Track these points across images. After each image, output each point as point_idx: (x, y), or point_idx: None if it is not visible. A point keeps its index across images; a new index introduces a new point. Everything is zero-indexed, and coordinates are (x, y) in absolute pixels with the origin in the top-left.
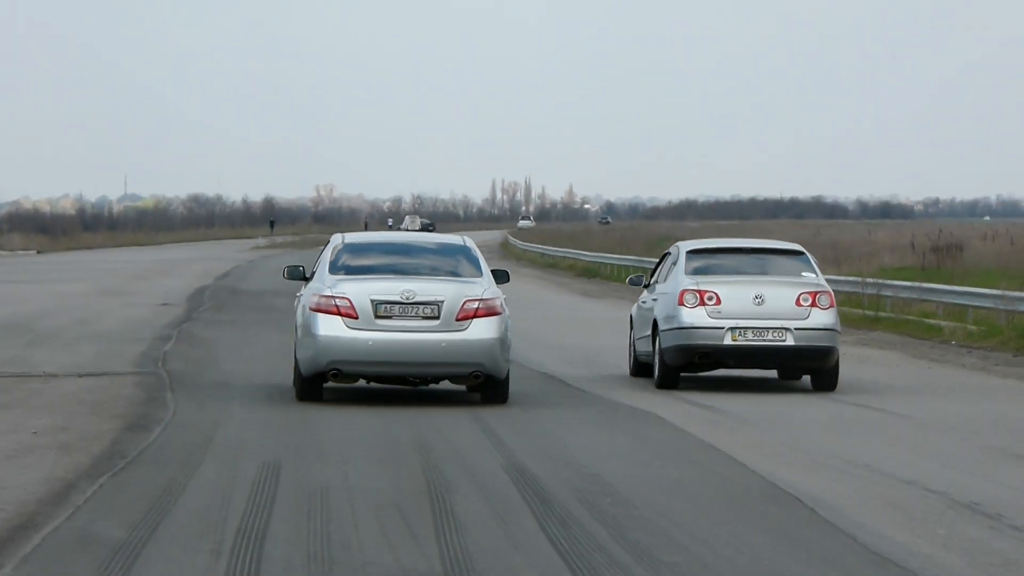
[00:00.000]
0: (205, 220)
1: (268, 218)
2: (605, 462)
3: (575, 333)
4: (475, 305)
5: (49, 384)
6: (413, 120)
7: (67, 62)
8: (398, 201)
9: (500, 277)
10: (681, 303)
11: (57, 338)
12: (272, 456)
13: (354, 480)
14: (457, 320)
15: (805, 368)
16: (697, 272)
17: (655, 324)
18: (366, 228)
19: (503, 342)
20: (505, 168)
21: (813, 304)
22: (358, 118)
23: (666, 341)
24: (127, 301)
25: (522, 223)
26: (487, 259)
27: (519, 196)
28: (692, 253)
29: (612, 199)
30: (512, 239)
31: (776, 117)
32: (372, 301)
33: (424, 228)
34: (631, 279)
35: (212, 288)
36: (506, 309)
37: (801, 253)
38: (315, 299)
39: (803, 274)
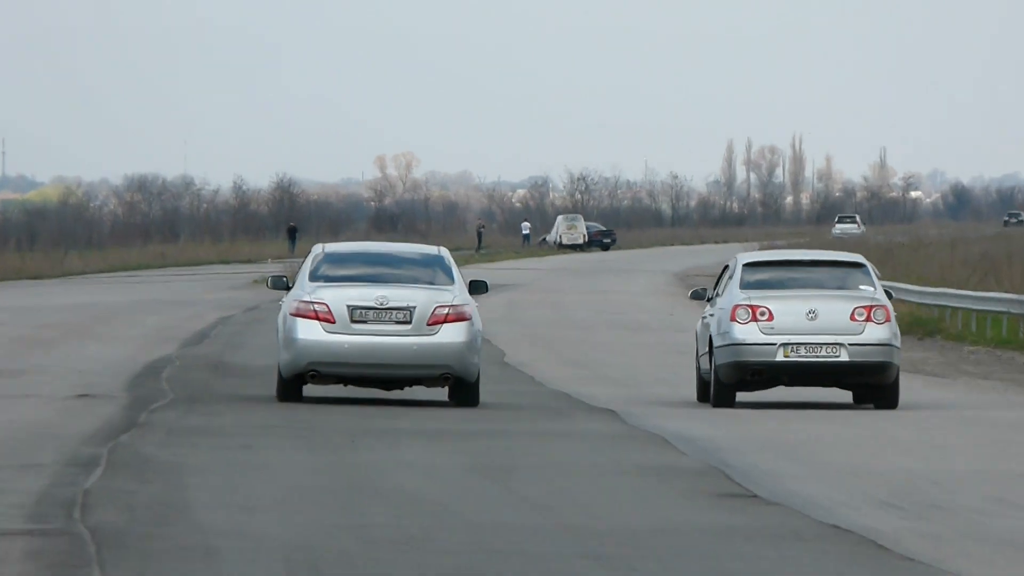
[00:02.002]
0: (162, 224)
1: (286, 222)
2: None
3: None
4: (445, 311)
5: None
6: (543, 56)
7: None
8: (540, 185)
9: (478, 288)
10: (733, 319)
11: None
12: None
13: None
14: (428, 325)
15: (862, 385)
16: (751, 286)
17: (710, 341)
18: (480, 238)
19: (472, 346)
20: (743, 125)
21: (868, 319)
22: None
23: (720, 358)
24: (10, 390)
25: (842, 228)
26: None
27: (780, 173)
28: (748, 266)
29: (961, 177)
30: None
31: None
32: (348, 306)
33: (593, 242)
34: (693, 292)
35: (177, 363)
36: (476, 316)
37: (861, 265)
38: (295, 304)
39: (861, 287)
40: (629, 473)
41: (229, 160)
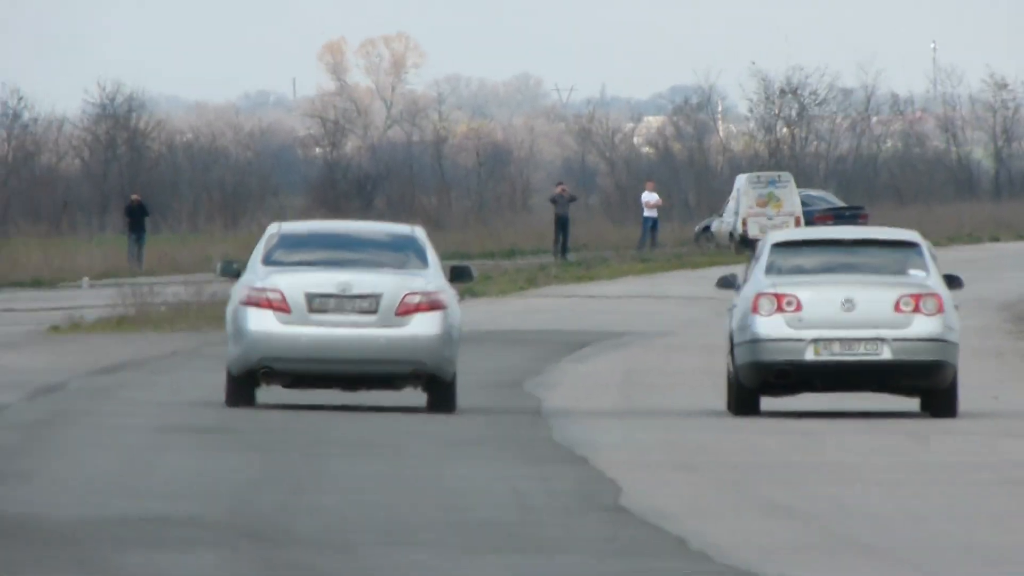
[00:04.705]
0: None
1: (124, 196)
2: None
3: None
4: (416, 299)
5: None
6: None
7: None
8: (683, 107)
9: (462, 274)
10: (755, 310)
11: None
12: None
13: None
14: (397, 315)
15: (910, 389)
16: (779, 271)
17: (731, 337)
18: (562, 228)
19: (448, 339)
20: None
21: (916, 309)
22: None
23: (740, 357)
24: None
25: None
26: None
27: None
28: (778, 247)
29: None
30: None
31: None
32: (306, 294)
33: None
34: (721, 279)
35: None
36: (454, 305)
37: (914, 245)
38: (245, 292)
39: (910, 272)
40: None
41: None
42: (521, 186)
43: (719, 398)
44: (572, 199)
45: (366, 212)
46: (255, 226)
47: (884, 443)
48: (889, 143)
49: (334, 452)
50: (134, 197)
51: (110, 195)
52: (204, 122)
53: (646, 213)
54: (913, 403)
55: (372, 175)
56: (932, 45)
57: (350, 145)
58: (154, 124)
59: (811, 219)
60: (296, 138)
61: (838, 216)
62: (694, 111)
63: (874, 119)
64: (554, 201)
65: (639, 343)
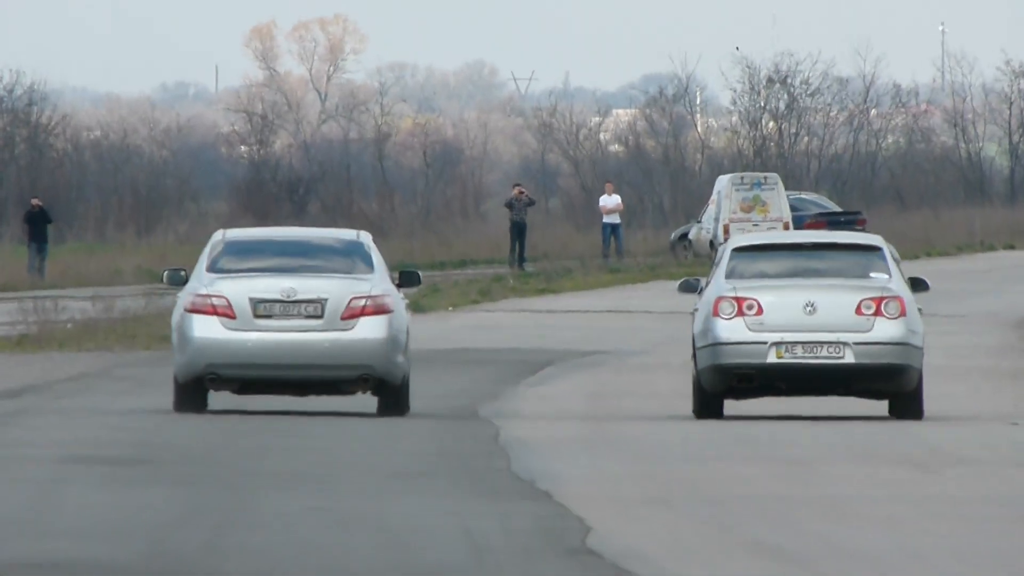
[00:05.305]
0: None
1: (23, 198)
2: None
3: None
4: (362, 303)
5: None
6: None
7: None
8: (655, 99)
9: (410, 279)
10: (716, 314)
11: None
12: None
13: None
14: (342, 319)
15: (873, 392)
16: (740, 276)
17: (693, 341)
18: (518, 233)
19: (395, 342)
20: None
21: (878, 312)
22: None
23: (702, 361)
24: None
25: None
26: None
27: None
28: (738, 251)
29: None
30: None
31: None
32: (251, 300)
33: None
34: (683, 283)
35: None
36: (401, 308)
37: (876, 249)
38: (190, 299)
39: (872, 275)
40: None
41: None
42: (473, 189)
43: (699, 423)
44: (530, 203)
45: (298, 218)
46: (171, 235)
47: (882, 473)
48: (890, 139)
49: (264, 485)
50: (35, 202)
51: (7, 200)
52: (115, 117)
53: (605, 219)
54: (882, 406)
55: (305, 177)
56: (940, 28)
57: (280, 143)
58: (58, 119)
59: (802, 225)
60: (219, 135)
61: (832, 222)
62: (669, 103)
63: (873, 112)
64: (510, 206)
65: (608, 363)
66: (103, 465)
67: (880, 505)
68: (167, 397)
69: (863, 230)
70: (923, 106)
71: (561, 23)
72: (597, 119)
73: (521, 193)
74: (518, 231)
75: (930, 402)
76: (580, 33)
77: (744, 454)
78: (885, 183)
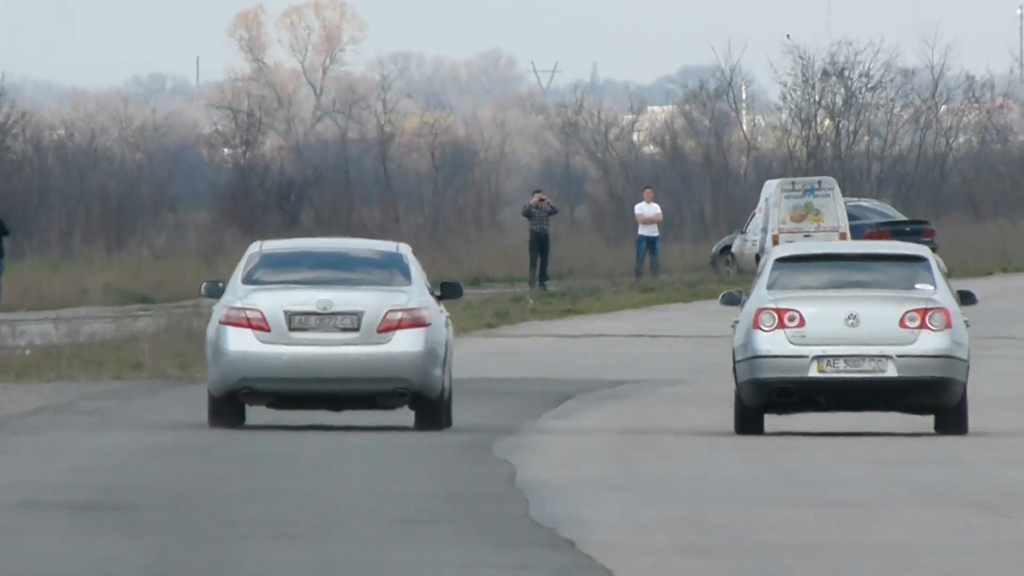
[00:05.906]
0: None
1: None
2: None
3: None
4: (398, 316)
5: None
6: None
7: None
8: (693, 93)
9: (451, 290)
10: (756, 326)
11: None
12: None
13: None
14: (378, 332)
15: (915, 406)
16: (780, 287)
17: (734, 354)
18: (540, 246)
19: (432, 356)
20: None
21: (923, 324)
22: None
23: (742, 374)
24: None
25: None
26: None
27: None
28: (780, 262)
29: None
30: None
31: None
32: (286, 312)
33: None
34: (724, 295)
35: None
36: (439, 321)
37: (922, 259)
38: (224, 312)
39: (917, 286)
40: None
41: None
42: (488, 196)
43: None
44: (552, 212)
45: (290, 229)
46: (146, 249)
47: (949, 517)
48: (962, 139)
49: (248, 534)
50: None
51: None
52: (81, 115)
53: (641, 230)
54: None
55: (297, 182)
56: (1018, 12)
57: (269, 144)
58: (16, 117)
59: (862, 235)
60: (199, 135)
61: (896, 232)
62: (711, 99)
63: (943, 108)
64: (529, 215)
65: (639, 394)
66: (65, 511)
67: (950, 555)
68: (138, 433)
69: (930, 242)
70: (999, 101)
71: (588, 8)
72: (629, 117)
73: (542, 200)
74: (539, 244)
75: (998, 462)
76: (610, 19)
77: (793, 496)
78: (956, 188)
